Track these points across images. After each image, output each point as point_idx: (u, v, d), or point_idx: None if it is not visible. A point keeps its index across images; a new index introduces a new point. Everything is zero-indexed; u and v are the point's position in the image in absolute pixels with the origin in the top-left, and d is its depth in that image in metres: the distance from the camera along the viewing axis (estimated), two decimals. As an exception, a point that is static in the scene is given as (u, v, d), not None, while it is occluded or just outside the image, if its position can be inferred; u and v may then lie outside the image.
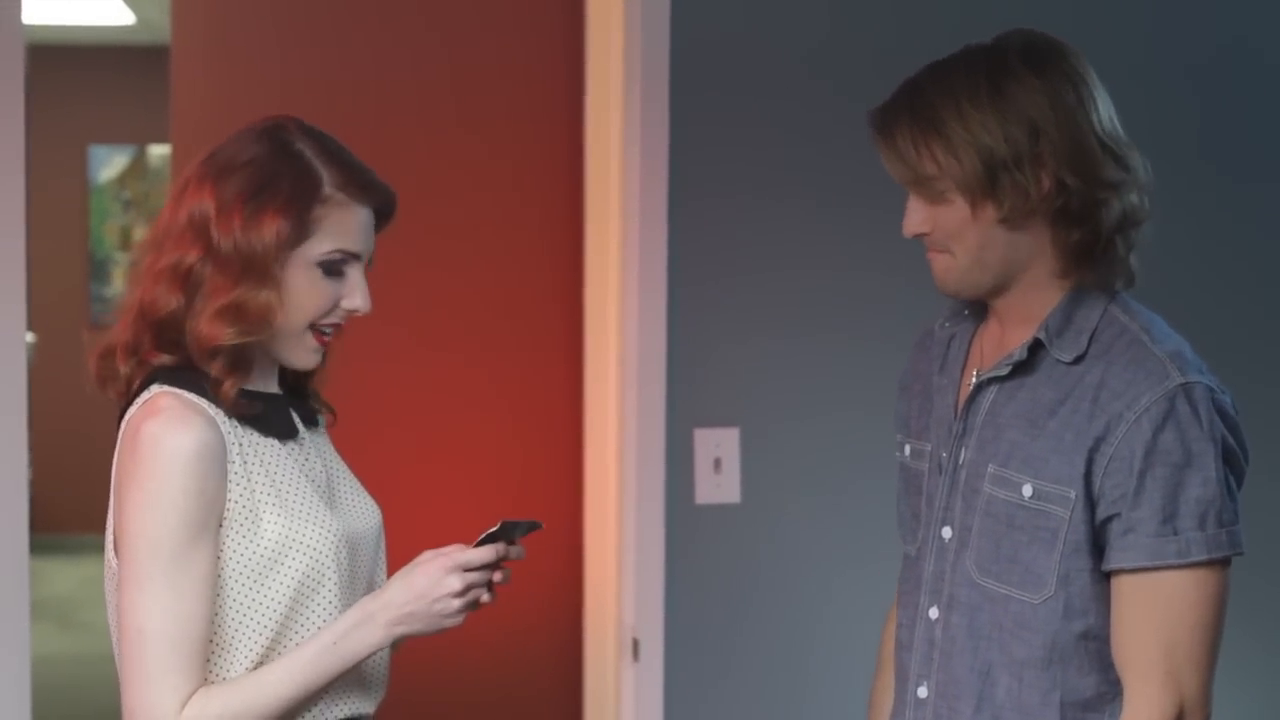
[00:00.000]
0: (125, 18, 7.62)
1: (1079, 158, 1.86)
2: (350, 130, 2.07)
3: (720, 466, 3.11)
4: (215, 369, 1.89)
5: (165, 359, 1.92)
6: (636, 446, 3.08)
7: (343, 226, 1.93)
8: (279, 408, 1.99)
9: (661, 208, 3.06)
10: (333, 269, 1.93)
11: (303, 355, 1.97)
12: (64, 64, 8.54)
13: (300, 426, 2.02)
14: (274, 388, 2.01)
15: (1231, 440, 1.86)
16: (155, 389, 1.90)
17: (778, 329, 3.12)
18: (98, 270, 8.79)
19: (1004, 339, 1.99)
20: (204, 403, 1.89)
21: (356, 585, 1.99)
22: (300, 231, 1.90)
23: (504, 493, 3.70)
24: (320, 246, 1.92)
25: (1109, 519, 1.86)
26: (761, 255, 3.11)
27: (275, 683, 1.87)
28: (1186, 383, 1.84)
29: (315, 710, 1.94)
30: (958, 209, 1.89)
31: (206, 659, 1.87)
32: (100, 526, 2.07)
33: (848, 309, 3.14)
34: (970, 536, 1.96)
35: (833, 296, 3.14)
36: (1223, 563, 1.85)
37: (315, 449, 2.03)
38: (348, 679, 1.96)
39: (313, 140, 1.95)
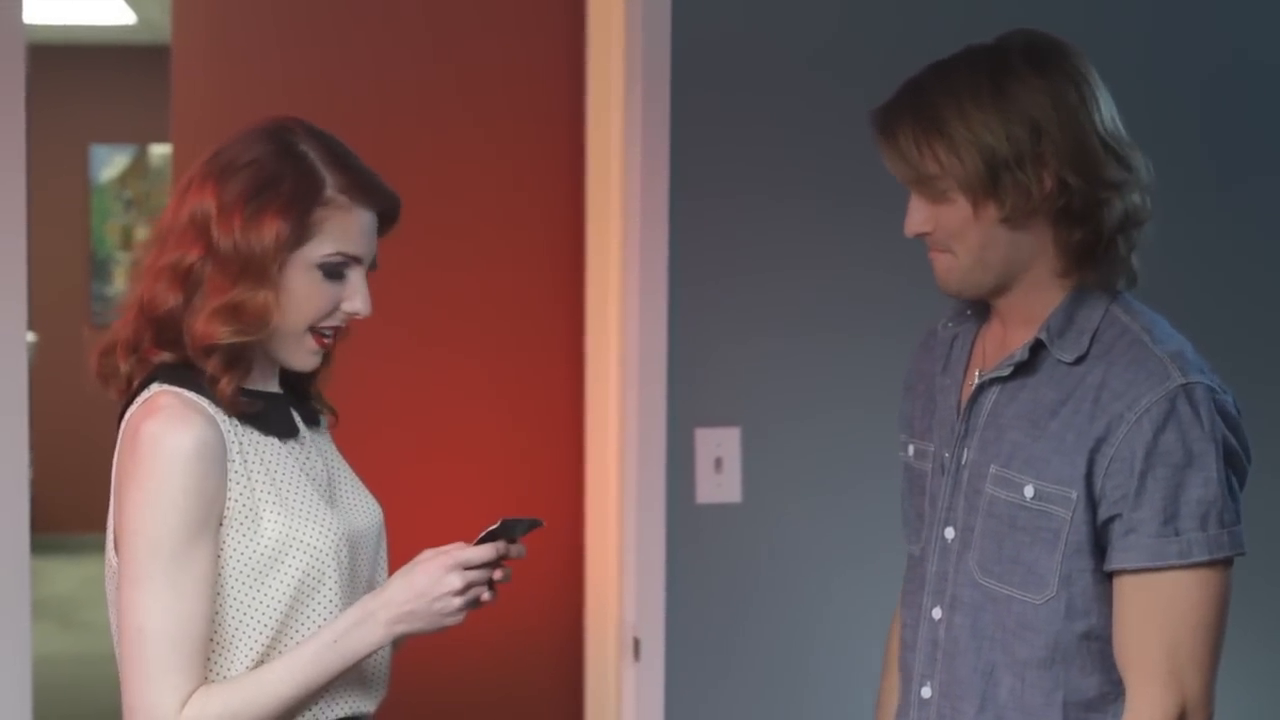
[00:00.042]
0: (126, 17, 7.62)
1: (1081, 157, 1.86)
2: (351, 130, 2.07)
3: (721, 466, 3.11)
4: (211, 366, 1.89)
5: (165, 356, 1.92)
6: (637, 446, 3.08)
7: (344, 229, 1.93)
8: (279, 406, 1.99)
9: (662, 207, 3.06)
10: (333, 271, 1.93)
11: (302, 357, 1.97)
12: (65, 63, 8.54)
13: (301, 425, 2.02)
14: (274, 387, 2.00)
15: (1233, 440, 1.86)
16: (155, 388, 1.90)
17: (779, 328, 3.12)
18: (99, 270, 8.79)
19: (1006, 339, 1.99)
20: (204, 401, 1.89)
21: (357, 584, 1.99)
22: (301, 233, 1.90)
23: (505, 492, 3.70)
24: (321, 249, 1.92)
25: (1110, 520, 1.86)
26: (762, 255, 3.11)
27: (275, 681, 1.87)
28: (1187, 383, 1.84)
29: (316, 709, 1.94)
30: (959, 208, 1.89)
31: (207, 658, 1.87)
32: (101, 526, 2.07)
33: (849, 309, 3.14)
34: (973, 537, 1.96)
35: (834, 296, 3.13)
36: (1224, 563, 1.85)
37: (316, 448, 2.03)
38: (348, 678, 1.96)
39: (317, 142, 1.95)
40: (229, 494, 1.88)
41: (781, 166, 3.11)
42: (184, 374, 1.91)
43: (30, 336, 3.47)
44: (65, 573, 7.94)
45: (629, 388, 3.11)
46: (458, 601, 1.88)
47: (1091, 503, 1.86)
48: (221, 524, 1.87)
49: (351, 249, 1.94)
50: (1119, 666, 1.89)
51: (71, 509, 7.79)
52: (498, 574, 1.92)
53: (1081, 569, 1.88)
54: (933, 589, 2.01)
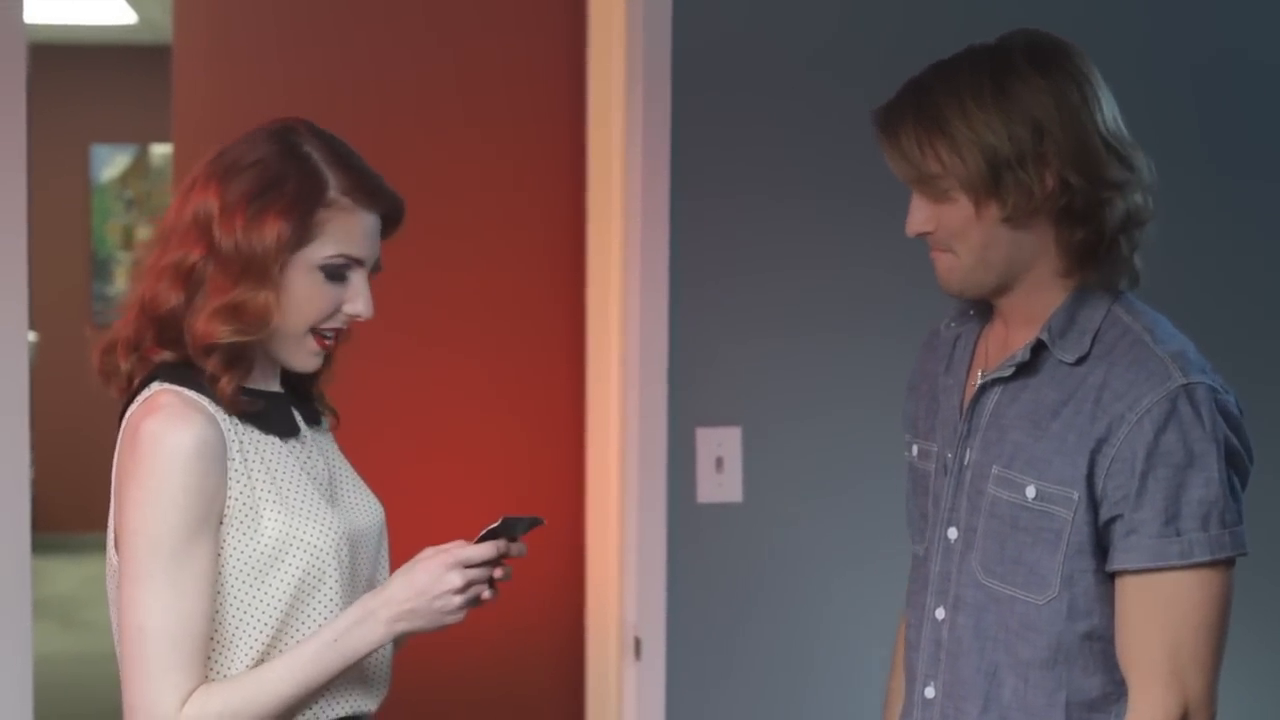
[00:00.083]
0: (127, 17, 7.62)
1: (1083, 157, 1.86)
2: (352, 130, 2.06)
3: (722, 465, 3.11)
4: (212, 365, 1.89)
5: (166, 355, 1.92)
6: (638, 446, 3.08)
7: (346, 231, 1.93)
8: (280, 405, 1.99)
9: (663, 207, 3.06)
10: (335, 273, 1.93)
11: (303, 358, 1.97)
12: (66, 63, 8.55)
13: (302, 424, 2.02)
14: (275, 386, 2.00)
15: (1235, 440, 1.86)
16: (155, 386, 1.90)
17: (780, 328, 3.12)
18: (99, 270, 8.79)
19: (1008, 339, 1.98)
20: (204, 400, 1.89)
21: (358, 583, 1.99)
22: (303, 234, 1.90)
23: (506, 491, 3.70)
24: (323, 250, 1.92)
25: (1112, 520, 1.86)
26: (763, 254, 3.11)
27: (276, 680, 1.87)
28: (1188, 383, 1.84)
29: (317, 708, 1.94)
30: (961, 208, 1.89)
31: (207, 656, 1.87)
32: (102, 525, 2.07)
33: (850, 308, 3.14)
34: (975, 537, 1.95)
35: (835, 296, 3.13)
36: (1226, 563, 1.84)
37: (317, 447, 2.03)
38: (349, 676, 1.96)
39: (322, 143, 1.94)
40: (229, 492, 1.88)
41: (782, 166, 3.11)
42: (185, 373, 1.91)
43: (31, 336, 3.47)
44: (66, 572, 7.94)
45: (630, 387, 3.11)
46: (458, 600, 1.88)
47: (1093, 503, 1.86)
48: (222, 522, 1.87)
49: (353, 251, 1.93)
50: (1121, 667, 1.89)
51: (72, 508, 7.80)
52: (498, 572, 1.91)
53: (1083, 569, 1.88)
54: (936, 589, 2.01)
